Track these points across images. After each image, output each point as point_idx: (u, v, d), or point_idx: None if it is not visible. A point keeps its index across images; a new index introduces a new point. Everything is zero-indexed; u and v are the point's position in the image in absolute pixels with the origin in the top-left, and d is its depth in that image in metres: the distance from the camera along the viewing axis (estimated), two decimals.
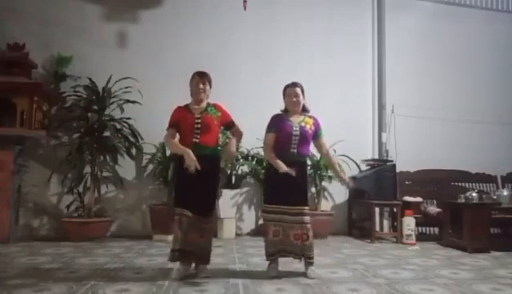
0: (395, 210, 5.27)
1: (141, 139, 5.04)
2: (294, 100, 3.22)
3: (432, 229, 5.63)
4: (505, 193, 4.92)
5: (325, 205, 5.54)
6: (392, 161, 5.62)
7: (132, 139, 4.98)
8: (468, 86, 6.24)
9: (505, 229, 5.23)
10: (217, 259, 3.66)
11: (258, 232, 5.28)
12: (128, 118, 4.99)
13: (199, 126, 3.06)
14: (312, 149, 3.47)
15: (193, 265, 3.12)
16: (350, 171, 5.50)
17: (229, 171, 5.15)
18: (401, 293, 2.73)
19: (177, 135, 3.17)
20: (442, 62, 6.21)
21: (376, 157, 5.81)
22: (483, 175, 5.95)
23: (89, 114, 4.95)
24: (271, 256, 3.14)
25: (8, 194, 4.45)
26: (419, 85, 6.07)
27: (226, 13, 5.57)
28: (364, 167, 5.56)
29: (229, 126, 3.23)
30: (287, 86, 3.29)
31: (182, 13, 5.54)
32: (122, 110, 5.09)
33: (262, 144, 3.46)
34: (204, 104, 3.18)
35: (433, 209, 5.30)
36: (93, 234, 4.60)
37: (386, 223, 5.64)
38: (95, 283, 2.80)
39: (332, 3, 6.01)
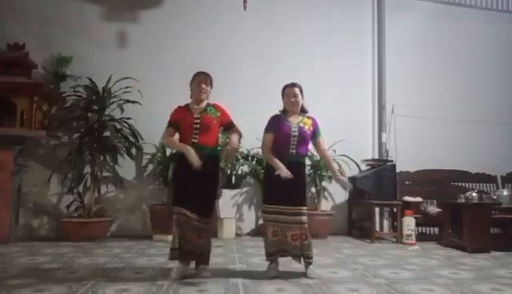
0: (395, 210, 5.27)
1: (141, 139, 5.04)
2: (293, 100, 3.22)
3: (432, 229, 5.63)
4: (505, 193, 4.92)
5: (325, 205, 5.54)
6: (392, 161, 5.62)
7: (132, 139, 4.98)
8: (468, 86, 6.24)
9: (505, 229, 5.23)
10: (217, 259, 3.66)
11: (258, 232, 5.28)
12: (128, 118, 4.99)
13: (198, 126, 3.06)
14: (312, 149, 3.47)
15: (192, 264, 3.12)
16: (350, 171, 5.51)
17: (229, 171, 5.15)
18: (401, 293, 2.73)
19: (177, 135, 3.18)
20: (442, 62, 6.21)
21: (376, 157, 5.81)
22: (483, 175, 5.95)
23: (89, 114, 4.95)
24: (271, 256, 3.14)
25: (8, 194, 4.45)
26: (419, 85, 6.07)
27: (226, 13, 5.57)
28: (364, 167, 5.56)
29: (228, 126, 3.22)
30: (286, 87, 3.29)
31: (182, 13, 5.54)
32: (122, 110, 5.09)
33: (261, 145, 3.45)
34: (203, 105, 3.18)
35: (433, 209, 5.30)
36: (93, 234, 4.60)
37: (386, 223, 5.65)
38: (95, 283, 2.80)
39: (332, 3, 6.01)
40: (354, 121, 5.81)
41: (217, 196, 3.30)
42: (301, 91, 3.26)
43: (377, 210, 5.38)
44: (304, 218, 3.09)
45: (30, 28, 5.07)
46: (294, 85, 3.26)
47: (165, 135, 3.16)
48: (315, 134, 3.26)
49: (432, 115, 6.03)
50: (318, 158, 5.14)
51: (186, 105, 3.21)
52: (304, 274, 3.10)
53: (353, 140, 5.58)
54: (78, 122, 5.01)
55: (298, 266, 3.21)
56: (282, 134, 3.16)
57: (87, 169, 4.81)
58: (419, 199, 5.37)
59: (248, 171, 5.32)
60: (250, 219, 5.50)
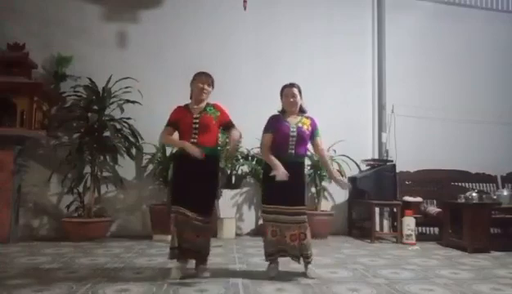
0: (395, 210, 5.27)
1: (141, 139, 5.04)
2: (292, 100, 3.22)
3: (432, 229, 5.63)
4: (505, 193, 4.92)
5: (325, 205, 5.54)
6: (392, 161, 5.62)
7: (132, 139, 4.98)
8: (468, 86, 6.24)
9: (505, 229, 5.23)
10: (217, 259, 3.66)
11: (258, 232, 5.28)
12: (128, 118, 4.99)
13: (197, 125, 3.06)
14: (311, 149, 3.47)
15: (191, 264, 3.12)
16: (350, 171, 5.52)
17: (229, 171, 5.15)
18: (401, 293, 2.73)
19: (177, 135, 3.18)
20: (442, 62, 6.21)
21: (376, 157, 5.81)
22: (483, 175, 5.95)
23: (89, 114, 4.95)
24: (271, 256, 3.14)
25: (8, 194, 4.45)
26: (419, 85, 6.07)
27: (226, 13, 5.58)
28: (364, 167, 5.56)
29: (227, 126, 3.21)
30: (284, 87, 3.30)
31: (182, 13, 5.54)
32: (122, 110, 5.09)
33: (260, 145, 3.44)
34: (203, 105, 3.18)
35: (433, 209, 5.30)
36: (93, 234, 4.60)
37: (386, 223, 5.65)
38: (95, 283, 2.80)
39: (332, 3, 6.01)
40: (354, 121, 5.81)
41: (216, 195, 3.30)
42: (299, 92, 3.26)
43: (377, 210, 5.38)
44: (303, 218, 3.09)
45: (30, 28, 5.08)
46: (292, 85, 3.27)
47: (164, 134, 3.16)
48: (313, 134, 3.26)
49: (432, 115, 6.03)
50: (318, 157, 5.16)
51: (186, 105, 3.21)
52: (304, 274, 3.10)
53: (353, 140, 5.58)
54: (78, 122, 5.01)
55: (298, 266, 3.21)
56: (281, 134, 3.16)
57: (87, 169, 4.81)
58: (419, 199, 5.37)
59: (248, 171, 5.32)
60: (250, 219, 5.50)
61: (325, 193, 5.61)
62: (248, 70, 5.59)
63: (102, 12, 5.36)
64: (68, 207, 4.84)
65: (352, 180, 5.45)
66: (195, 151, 2.94)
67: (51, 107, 5.03)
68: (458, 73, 6.23)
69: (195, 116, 3.09)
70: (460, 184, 5.79)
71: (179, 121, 3.12)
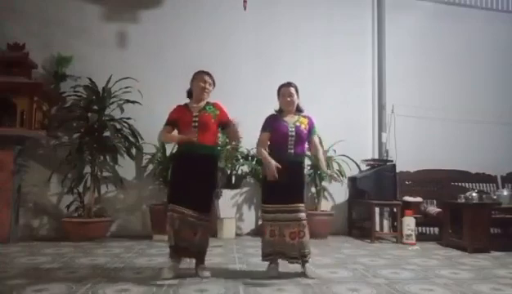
0: (395, 210, 5.27)
1: (141, 139, 5.04)
2: (289, 99, 3.22)
3: (432, 229, 5.63)
4: (505, 193, 4.92)
5: (325, 205, 5.54)
6: (392, 161, 5.62)
7: (132, 139, 4.98)
8: (468, 86, 6.24)
9: (505, 229, 5.23)
10: (217, 259, 3.67)
11: (257, 232, 5.27)
12: (128, 118, 4.99)
13: (196, 124, 3.06)
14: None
15: (189, 263, 3.11)
16: (350, 171, 5.53)
17: (229, 171, 5.15)
18: (401, 293, 2.73)
19: (176, 133, 3.18)
20: (442, 62, 6.21)
21: (376, 157, 5.81)
22: (483, 175, 5.95)
23: (89, 114, 4.95)
24: (268, 256, 3.14)
25: (8, 194, 4.45)
26: (419, 85, 6.07)
27: (226, 13, 5.58)
28: (364, 167, 5.56)
29: (226, 124, 3.19)
30: (281, 86, 3.30)
31: (182, 13, 5.54)
32: (122, 110, 5.09)
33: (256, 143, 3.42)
34: (203, 103, 3.18)
35: (433, 209, 5.30)
36: (93, 234, 4.60)
37: (386, 223, 5.64)
38: (95, 283, 2.80)
39: (332, 3, 6.01)
40: (354, 121, 5.80)
41: (214, 194, 3.30)
42: (296, 91, 3.27)
43: (377, 210, 5.38)
44: (302, 215, 3.09)
45: (30, 28, 5.08)
46: (289, 84, 3.27)
47: (163, 133, 3.17)
48: (310, 132, 3.26)
49: (432, 115, 6.03)
50: None
51: (186, 104, 3.22)
52: (304, 274, 3.10)
53: (353, 140, 5.58)
54: (78, 122, 5.01)
55: (298, 266, 3.20)
56: (279, 134, 3.16)
57: (87, 169, 4.81)
58: (419, 199, 5.37)
59: (248, 171, 5.32)
60: (250, 219, 5.50)
61: (325, 193, 5.61)
62: (248, 70, 5.59)
63: (102, 12, 5.36)
64: (68, 207, 4.83)
65: (352, 180, 5.46)
66: (190, 138, 2.97)
67: (51, 107, 5.03)
68: (458, 73, 6.23)
69: (194, 114, 3.10)
70: (460, 184, 5.79)
71: (179, 120, 3.12)
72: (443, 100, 6.12)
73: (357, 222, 5.58)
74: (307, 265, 3.13)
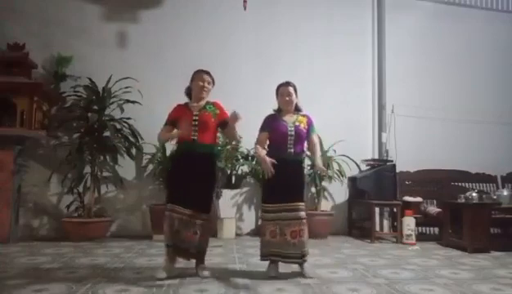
0: (395, 210, 5.27)
1: (141, 139, 5.04)
2: (287, 99, 3.22)
3: (432, 229, 5.63)
4: (505, 193, 4.92)
5: (325, 205, 5.54)
6: (392, 161, 5.62)
7: (132, 139, 4.98)
8: (468, 86, 6.24)
9: (505, 229, 5.23)
10: (217, 259, 3.67)
11: (258, 232, 5.23)
12: (128, 118, 4.99)
13: (196, 122, 3.06)
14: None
15: (184, 262, 3.11)
16: (350, 171, 5.53)
17: (229, 171, 5.15)
18: (401, 293, 2.73)
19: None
20: (442, 62, 6.21)
21: (376, 157, 5.81)
22: (483, 175, 5.95)
23: (89, 114, 4.95)
24: (266, 255, 3.13)
25: (8, 194, 4.45)
26: (419, 85, 6.07)
27: (226, 13, 5.58)
28: (364, 167, 5.56)
29: (225, 122, 3.17)
30: (280, 86, 3.30)
31: (182, 13, 5.54)
32: (122, 110, 5.08)
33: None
34: (203, 102, 3.18)
35: (433, 209, 5.30)
36: (93, 234, 4.60)
37: (386, 223, 5.65)
38: (95, 283, 2.80)
39: (332, 3, 6.01)
40: (354, 121, 5.81)
41: (214, 193, 3.29)
42: (295, 90, 3.27)
43: (377, 210, 5.38)
44: (303, 214, 3.09)
45: (30, 28, 5.08)
46: (288, 84, 3.27)
47: (161, 132, 3.17)
48: (309, 131, 3.26)
49: (432, 115, 6.04)
50: None
51: (186, 103, 3.22)
52: (302, 274, 3.09)
53: (353, 140, 5.59)
54: (78, 122, 5.01)
55: (298, 266, 3.20)
56: (279, 133, 3.16)
57: (87, 169, 4.81)
58: (419, 199, 5.37)
59: (248, 171, 5.32)
60: (250, 219, 5.50)
61: (325, 193, 5.61)
62: (248, 70, 5.59)
63: (102, 12, 5.36)
64: (68, 207, 4.83)
65: (352, 180, 5.46)
66: (183, 131, 2.98)
67: (51, 107, 5.03)
68: (458, 73, 6.24)
69: (194, 113, 3.10)
70: (460, 184, 5.79)
71: (178, 119, 3.12)
72: (443, 100, 6.12)
73: (357, 222, 5.58)
74: (305, 264, 3.13)
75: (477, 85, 6.29)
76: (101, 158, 4.88)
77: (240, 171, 5.29)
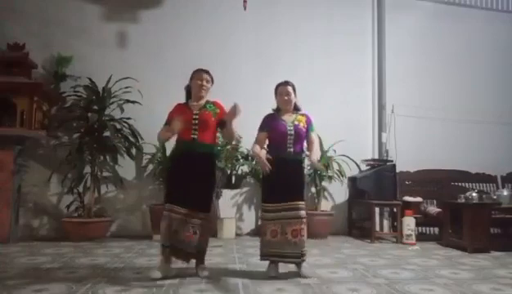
0: (395, 210, 5.27)
1: (141, 139, 5.04)
2: (286, 98, 3.23)
3: (432, 229, 5.63)
4: (505, 193, 4.92)
5: (325, 205, 5.54)
6: (392, 161, 5.62)
7: (132, 139, 4.98)
8: (468, 86, 6.24)
9: (505, 229, 5.23)
10: (217, 259, 3.67)
11: (257, 232, 5.24)
12: (128, 118, 4.99)
13: (196, 122, 3.06)
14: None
15: (185, 263, 3.11)
16: (350, 171, 5.53)
17: (229, 171, 5.15)
18: (401, 293, 2.73)
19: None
20: (442, 62, 6.21)
21: (376, 157, 5.81)
22: (483, 175, 5.95)
23: (89, 114, 4.95)
24: (266, 255, 3.13)
25: (8, 194, 4.45)
26: (419, 85, 6.07)
27: (226, 13, 5.58)
28: (364, 167, 5.56)
29: (224, 122, 3.14)
30: (278, 85, 3.30)
31: (182, 13, 5.54)
32: (122, 110, 5.08)
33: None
34: (203, 102, 3.18)
35: (433, 209, 5.30)
36: (93, 234, 4.60)
37: (386, 223, 5.64)
38: (95, 283, 2.80)
39: (332, 3, 6.01)
40: (354, 121, 5.81)
41: (214, 193, 3.29)
42: (294, 89, 3.26)
43: (377, 210, 5.38)
44: (303, 213, 3.09)
45: (30, 28, 5.08)
46: (286, 83, 3.27)
47: (161, 131, 3.15)
48: (308, 129, 3.26)
49: (432, 115, 6.04)
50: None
51: (186, 103, 3.22)
52: (300, 274, 3.08)
53: (353, 140, 5.59)
54: (78, 122, 5.01)
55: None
56: (278, 133, 3.16)
57: (87, 169, 4.81)
58: (419, 199, 5.37)
59: (248, 171, 5.32)
60: (250, 219, 5.50)
61: (325, 193, 5.61)
62: (248, 70, 5.59)
63: (102, 12, 5.36)
64: (68, 207, 4.83)
65: (352, 180, 5.46)
66: (178, 123, 2.96)
67: (51, 107, 5.03)
68: (458, 73, 6.24)
69: (194, 112, 3.09)
70: (460, 184, 5.79)
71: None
72: (443, 100, 6.12)
73: (357, 222, 5.58)
74: (303, 264, 3.13)
75: (477, 85, 6.29)
76: (101, 158, 4.88)
77: (240, 171, 5.29)
